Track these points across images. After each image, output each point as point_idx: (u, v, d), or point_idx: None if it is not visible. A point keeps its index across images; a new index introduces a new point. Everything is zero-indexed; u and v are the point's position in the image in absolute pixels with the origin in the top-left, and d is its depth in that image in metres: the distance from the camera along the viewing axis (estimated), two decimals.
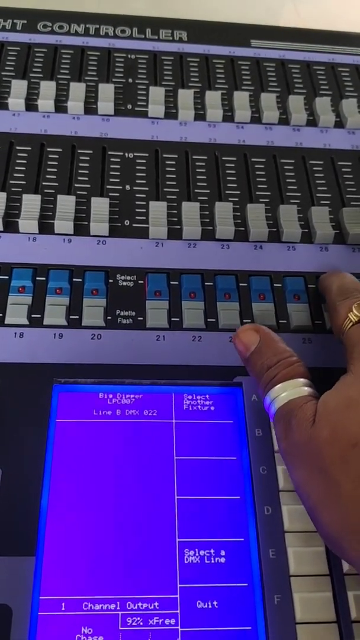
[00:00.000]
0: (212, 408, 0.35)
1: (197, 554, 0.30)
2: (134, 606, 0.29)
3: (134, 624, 0.29)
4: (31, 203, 0.40)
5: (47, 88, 0.47)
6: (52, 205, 0.41)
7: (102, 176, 0.44)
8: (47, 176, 0.43)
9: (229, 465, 0.33)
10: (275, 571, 0.30)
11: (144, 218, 0.41)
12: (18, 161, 0.43)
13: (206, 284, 0.39)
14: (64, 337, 0.36)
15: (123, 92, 0.48)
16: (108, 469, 0.32)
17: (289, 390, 0.31)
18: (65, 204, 0.41)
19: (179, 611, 0.29)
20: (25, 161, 0.43)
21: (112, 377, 0.35)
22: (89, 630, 0.28)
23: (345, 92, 0.51)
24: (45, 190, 0.42)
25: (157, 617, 0.29)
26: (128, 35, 0.52)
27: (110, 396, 0.35)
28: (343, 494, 0.27)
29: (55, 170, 0.43)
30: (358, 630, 0.29)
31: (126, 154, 0.45)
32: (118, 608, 0.29)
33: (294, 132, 0.48)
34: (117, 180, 0.43)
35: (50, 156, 0.44)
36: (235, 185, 0.44)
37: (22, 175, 0.43)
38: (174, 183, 0.44)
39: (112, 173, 0.44)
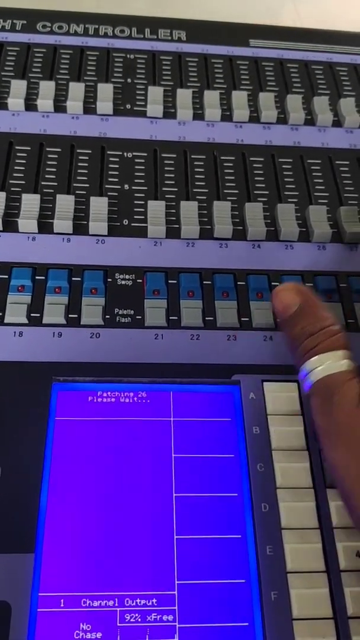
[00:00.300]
0: (210, 406, 0.35)
1: (194, 551, 0.31)
2: (132, 603, 0.29)
3: (132, 620, 0.29)
4: (30, 202, 0.41)
5: (47, 88, 0.47)
6: (51, 205, 0.41)
7: (101, 176, 0.44)
8: (47, 176, 0.43)
9: (227, 462, 0.33)
10: (272, 568, 0.30)
11: (143, 217, 0.42)
12: (17, 161, 0.44)
13: (204, 282, 0.39)
14: (63, 336, 0.36)
15: (122, 92, 0.49)
16: (106, 467, 0.33)
17: (330, 363, 0.29)
18: (65, 203, 0.41)
19: (176, 607, 0.29)
20: (24, 161, 0.44)
21: (111, 375, 0.35)
22: (88, 627, 0.28)
23: (343, 92, 0.51)
24: (45, 190, 0.42)
25: (155, 614, 0.29)
26: (127, 35, 0.53)
27: (109, 394, 0.35)
28: None
29: (55, 169, 0.44)
30: (354, 626, 0.29)
31: (125, 154, 0.45)
32: (116, 604, 0.29)
33: (292, 131, 0.48)
34: (116, 179, 0.44)
35: (49, 156, 0.44)
36: (233, 184, 0.44)
37: (22, 174, 0.43)
38: (173, 182, 0.44)
39: (111, 172, 0.44)
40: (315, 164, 0.46)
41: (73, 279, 0.39)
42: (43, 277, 0.38)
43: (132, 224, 0.42)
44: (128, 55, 0.51)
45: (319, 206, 0.43)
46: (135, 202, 0.43)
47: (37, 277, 0.38)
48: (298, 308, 0.31)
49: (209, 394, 0.35)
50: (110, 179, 0.44)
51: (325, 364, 0.29)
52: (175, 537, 0.31)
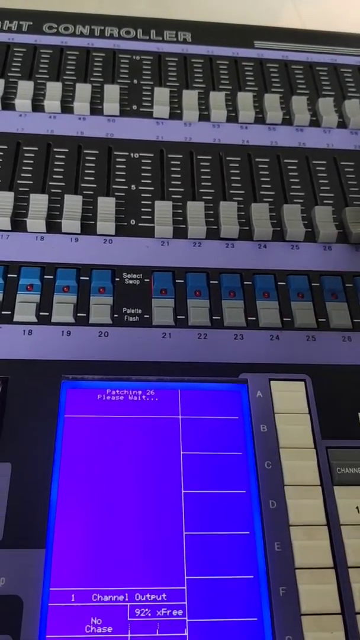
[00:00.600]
0: (218, 404, 0.35)
1: (203, 547, 0.31)
2: (142, 597, 0.30)
3: (142, 614, 0.29)
4: (38, 203, 0.41)
5: (53, 89, 0.47)
6: (59, 205, 0.42)
7: (108, 176, 0.44)
8: (54, 176, 0.44)
9: (235, 460, 0.34)
10: (281, 564, 0.30)
11: (150, 217, 0.42)
12: (25, 161, 0.44)
13: (211, 282, 0.40)
14: (71, 335, 0.37)
15: (128, 93, 0.49)
16: (116, 464, 0.33)
17: None
18: (72, 203, 0.41)
19: (186, 602, 0.30)
20: (32, 161, 0.44)
21: (119, 373, 0.36)
22: (99, 621, 0.29)
23: (347, 93, 0.51)
24: (52, 190, 0.43)
25: (165, 608, 0.29)
26: (133, 37, 0.53)
27: (118, 392, 0.35)
28: None
29: (62, 170, 0.44)
30: None
31: (132, 154, 0.45)
32: (127, 599, 0.29)
33: (297, 132, 0.48)
34: (123, 180, 0.44)
35: (56, 156, 0.45)
36: (239, 185, 0.45)
37: (30, 175, 0.43)
38: (179, 183, 0.44)
39: (118, 173, 0.44)
40: (320, 164, 0.46)
41: (81, 278, 0.39)
42: (52, 277, 0.39)
43: (139, 224, 0.42)
44: (134, 57, 0.52)
45: (324, 207, 0.43)
46: (142, 202, 0.43)
47: (45, 277, 0.39)
48: None
49: (217, 392, 0.36)
50: (117, 180, 0.44)
51: None
52: (184, 533, 0.31)
